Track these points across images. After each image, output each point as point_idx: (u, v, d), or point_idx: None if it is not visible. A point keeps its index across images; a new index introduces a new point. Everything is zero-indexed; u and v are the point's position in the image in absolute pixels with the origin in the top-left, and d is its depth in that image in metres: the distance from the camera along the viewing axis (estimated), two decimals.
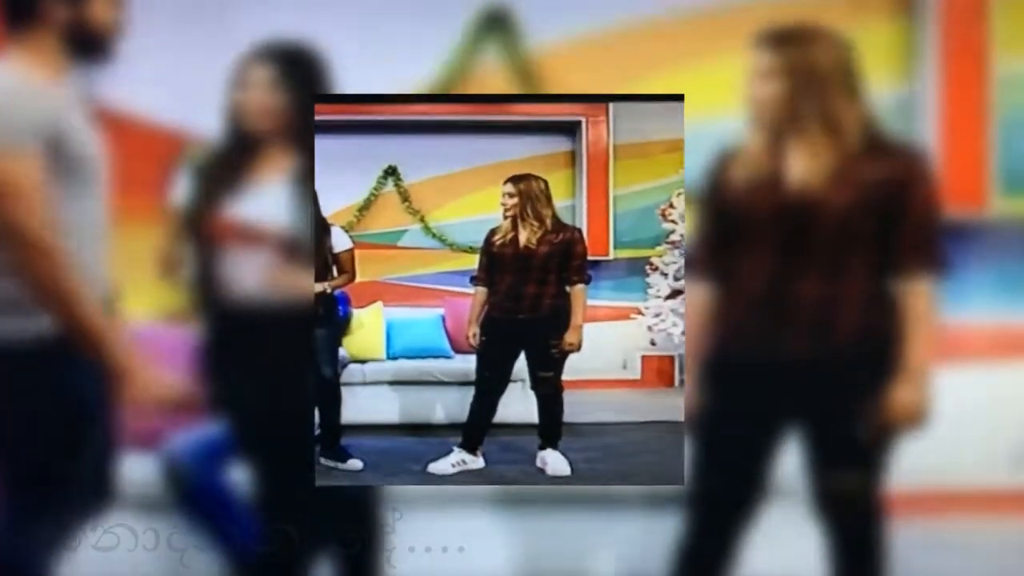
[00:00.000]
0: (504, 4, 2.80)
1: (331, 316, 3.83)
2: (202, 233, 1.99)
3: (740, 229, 1.87)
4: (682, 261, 5.10)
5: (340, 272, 3.80)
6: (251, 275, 1.95)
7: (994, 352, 2.69)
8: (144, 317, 2.88)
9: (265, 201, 1.96)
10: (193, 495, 2.44)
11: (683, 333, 5.03)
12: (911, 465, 1.98)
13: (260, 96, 1.98)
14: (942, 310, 1.86)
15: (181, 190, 2.05)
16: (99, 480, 1.81)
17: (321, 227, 3.70)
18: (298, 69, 1.99)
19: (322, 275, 3.68)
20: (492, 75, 2.90)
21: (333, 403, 3.81)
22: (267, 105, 1.98)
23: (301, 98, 2.00)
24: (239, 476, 2.31)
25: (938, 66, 2.72)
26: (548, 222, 3.63)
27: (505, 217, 3.70)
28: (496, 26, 2.79)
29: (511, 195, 3.65)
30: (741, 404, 1.91)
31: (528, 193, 3.62)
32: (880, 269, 1.82)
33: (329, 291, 3.73)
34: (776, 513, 2.05)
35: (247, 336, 1.97)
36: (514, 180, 3.68)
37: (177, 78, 2.76)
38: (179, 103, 2.77)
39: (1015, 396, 2.66)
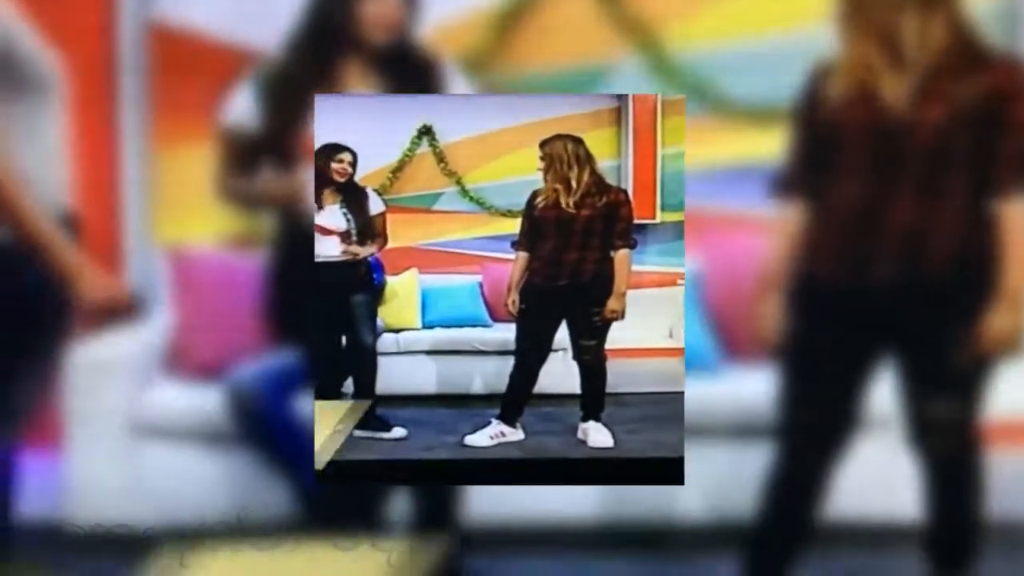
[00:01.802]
0: None
1: (369, 282, 3.77)
2: (280, 153, 1.94)
3: (832, 147, 1.78)
4: None
5: (374, 236, 3.70)
6: None
7: None
8: (204, 242, 2.78)
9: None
10: (260, 423, 2.35)
11: None
12: (1009, 394, 1.92)
13: (389, 8, 1.97)
14: None
15: (244, 108, 1.96)
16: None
17: (359, 191, 3.65)
18: None
19: (362, 240, 3.62)
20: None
21: (370, 372, 3.73)
22: (395, 17, 1.98)
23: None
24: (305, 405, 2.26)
25: None
26: (575, 184, 3.46)
27: (544, 180, 3.56)
28: None
29: (541, 158, 3.53)
30: (831, 331, 1.83)
31: (553, 155, 3.49)
32: (978, 189, 1.72)
33: (366, 256, 3.67)
34: (870, 444, 2.00)
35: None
36: (542, 143, 3.56)
37: None
38: (236, 17, 2.66)
39: None
